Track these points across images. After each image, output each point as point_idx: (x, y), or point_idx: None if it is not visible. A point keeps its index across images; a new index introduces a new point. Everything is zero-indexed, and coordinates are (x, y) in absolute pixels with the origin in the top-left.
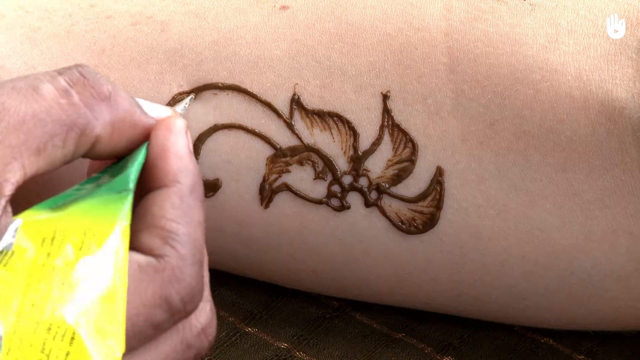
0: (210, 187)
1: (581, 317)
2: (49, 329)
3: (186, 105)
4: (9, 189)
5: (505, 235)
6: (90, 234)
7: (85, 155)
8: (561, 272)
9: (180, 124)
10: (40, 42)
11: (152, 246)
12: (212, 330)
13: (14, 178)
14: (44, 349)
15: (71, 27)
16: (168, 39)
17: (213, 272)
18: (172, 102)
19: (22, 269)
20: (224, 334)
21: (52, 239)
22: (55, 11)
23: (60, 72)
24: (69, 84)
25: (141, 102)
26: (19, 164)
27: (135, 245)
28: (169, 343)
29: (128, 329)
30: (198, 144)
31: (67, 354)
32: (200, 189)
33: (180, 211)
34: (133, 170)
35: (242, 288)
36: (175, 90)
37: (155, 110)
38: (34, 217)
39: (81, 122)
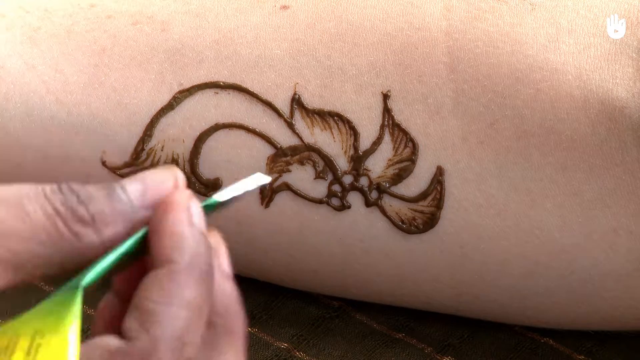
0: (211, 187)
1: (581, 316)
2: None
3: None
4: None
5: (506, 234)
6: (39, 336)
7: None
8: (561, 271)
9: (179, 199)
10: (40, 42)
11: (129, 328)
12: None
13: None
14: None
15: (71, 27)
16: (168, 38)
17: None
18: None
19: None
20: None
21: (6, 347)
22: (55, 11)
23: (47, 195)
24: (54, 210)
25: (137, 185)
26: None
27: (120, 329)
28: None
29: None
30: (199, 143)
31: None
32: (200, 264)
33: (165, 292)
34: (97, 263)
35: (242, 288)
36: (176, 89)
37: (163, 187)
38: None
39: (66, 248)
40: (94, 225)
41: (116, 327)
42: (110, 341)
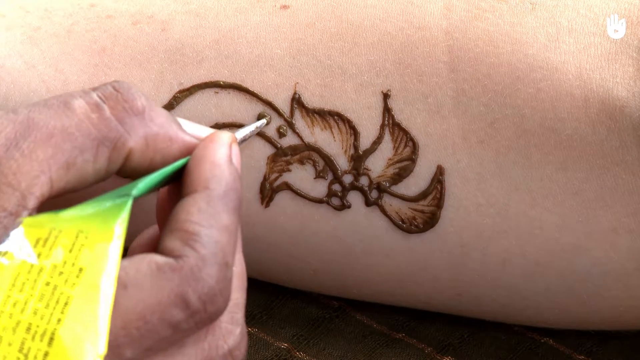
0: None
1: (582, 316)
2: (29, 329)
3: (252, 130)
4: (32, 202)
5: (506, 234)
6: (83, 236)
7: (119, 172)
8: (562, 271)
9: (224, 136)
10: (40, 42)
11: (172, 248)
12: (241, 354)
13: (39, 191)
14: (22, 348)
15: (71, 27)
16: (169, 38)
17: None
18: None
19: (10, 268)
20: None
21: (46, 240)
22: (55, 11)
23: (94, 88)
24: (101, 99)
25: (186, 122)
26: (47, 178)
27: (158, 250)
28: (193, 358)
29: (141, 327)
30: None
31: (46, 355)
32: (234, 198)
33: (205, 214)
34: (145, 178)
35: None
36: (176, 88)
37: (201, 131)
38: (34, 218)
39: (112, 136)
40: (142, 116)
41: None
42: (156, 257)
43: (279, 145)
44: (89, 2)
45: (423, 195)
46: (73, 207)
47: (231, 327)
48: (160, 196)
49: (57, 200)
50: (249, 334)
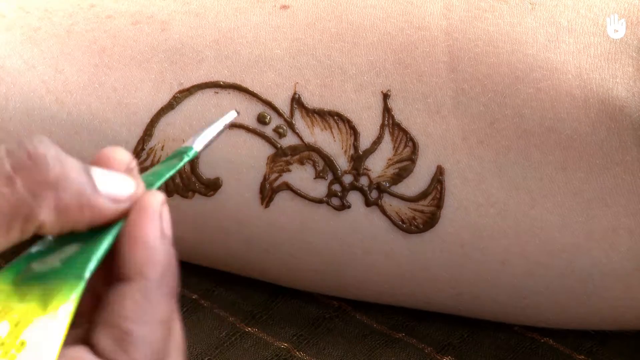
0: (211, 186)
1: (581, 316)
2: None
3: (227, 123)
4: None
5: (506, 234)
6: (31, 313)
7: (33, 237)
8: (562, 271)
9: (152, 203)
10: (40, 42)
11: (104, 348)
12: None
13: None
14: None
15: (71, 27)
16: (168, 38)
17: (214, 271)
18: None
19: None
20: (224, 334)
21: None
22: (55, 11)
23: (8, 153)
24: (14, 170)
25: (103, 176)
26: None
27: (91, 343)
28: None
29: None
30: None
31: None
32: (170, 281)
33: (141, 310)
34: (95, 258)
35: (242, 288)
36: (176, 88)
37: (118, 187)
38: None
39: (24, 212)
40: (54, 188)
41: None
42: (87, 357)
43: (278, 146)
44: (89, 3)
45: (423, 195)
46: (25, 277)
47: None
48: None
49: None
50: (249, 334)
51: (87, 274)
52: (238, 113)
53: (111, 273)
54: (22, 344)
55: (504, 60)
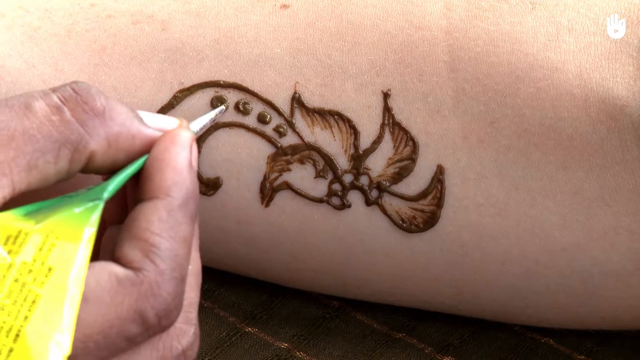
0: (211, 186)
1: (582, 316)
2: None
3: (212, 117)
4: None
5: (506, 233)
6: (53, 236)
7: (83, 171)
8: (562, 270)
9: (185, 136)
10: (40, 42)
11: (132, 258)
12: (193, 354)
13: (1, 194)
14: None
15: (71, 26)
16: (169, 37)
17: (214, 271)
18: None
19: None
20: (224, 334)
21: (16, 238)
22: (55, 10)
23: (54, 89)
24: (61, 101)
25: (148, 115)
26: (8, 180)
27: (116, 255)
28: (147, 359)
29: (100, 341)
30: (199, 142)
31: (10, 351)
32: (193, 206)
33: (166, 225)
34: (114, 180)
35: (242, 288)
36: (176, 88)
37: (163, 122)
38: (3, 216)
39: (73, 139)
40: (103, 117)
41: (106, 248)
42: (116, 268)
43: (279, 145)
44: (89, 2)
45: (423, 194)
46: (44, 206)
47: (185, 327)
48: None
49: (18, 200)
50: (250, 334)
51: (106, 194)
52: (226, 108)
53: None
54: (50, 269)
55: (505, 59)
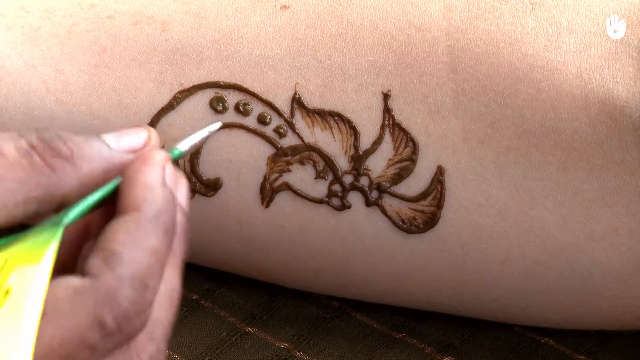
0: (211, 187)
1: (582, 316)
2: None
3: (207, 135)
4: None
5: (506, 234)
6: (12, 261)
7: (58, 211)
8: (562, 271)
9: (158, 157)
10: (40, 42)
11: (91, 267)
12: None
13: None
14: None
15: (72, 27)
16: (169, 38)
17: (214, 271)
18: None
19: None
20: (224, 334)
21: None
22: (55, 11)
23: (21, 134)
24: (30, 146)
25: (116, 136)
26: None
27: (78, 269)
28: None
29: (61, 353)
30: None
31: None
32: (167, 220)
33: (131, 236)
34: (77, 206)
35: (242, 288)
36: (177, 89)
37: (132, 140)
38: None
39: (43, 183)
40: (72, 160)
41: (70, 269)
42: (73, 280)
43: (279, 146)
44: (89, 3)
45: (423, 195)
46: (7, 239)
47: (147, 342)
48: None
49: None
50: (250, 334)
51: (66, 220)
52: (220, 127)
53: None
54: (7, 292)
55: (505, 60)
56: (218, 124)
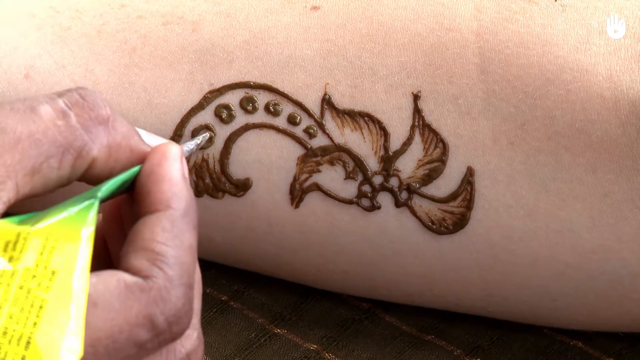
0: (241, 187)
1: (611, 318)
2: (5, 333)
3: (198, 142)
4: None
5: (536, 235)
6: (53, 239)
7: (81, 179)
8: (591, 272)
9: (175, 150)
10: (70, 42)
11: (140, 267)
12: (197, 358)
13: (5, 197)
14: None
15: (102, 27)
16: (199, 38)
17: (243, 272)
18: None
19: None
20: (253, 335)
21: (15, 243)
22: (85, 11)
23: (60, 94)
24: (67, 106)
25: (145, 133)
26: (13, 183)
27: (123, 267)
28: None
29: (109, 345)
30: (229, 144)
31: (23, 358)
32: (193, 214)
33: (170, 234)
34: (107, 182)
35: (271, 289)
36: (207, 89)
37: (154, 140)
38: (2, 222)
39: (77, 144)
40: (107, 126)
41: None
42: (125, 276)
43: (309, 146)
44: (120, 3)
45: (453, 196)
46: (40, 212)
47: (189, 331)
48: (108, 209)
49: (17, 205)
50: (279, 335)
51: (100, 193)
52: (212, 135)
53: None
54: (53, 273)
55: (535, 61)
56: (206, 135)
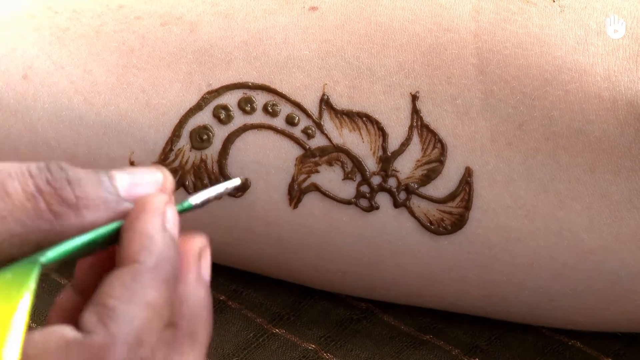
0: (240, 187)
1: (609, 318)
2: None
3: (221, 191)
4: None
5: (534, 236)
6: None
7: None
8: (589, 273)
9: (157, 201)
10: (69, 43)
11: (86, 322)
12: None
13: None
14: None
15: (100, 28)
16: (197, 39)
17: (241, 272)
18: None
19: None
20: (251, 335)
21: None
22: (84, 12)
23: (31, 172)
24: (37, 189)
25: (135, 170)
26: None
27: (77, 321)
28: None
29: None
30: (227, 144)
31: None
32: (166, 269)
33: (127, 290)
34: (62, 244)
35: (269, 289)
36: (205, 89)
37: (144, 177)
38: None
39: (44, 228)
40: (76, 208)
41: (73, 320)
42: (67, 331)
43: (307, 147)
44: (118, 3)
45: (451, 196)
46: None
47: None
48: (81, 265)
49: None
50: (277, 335)
51: (43, 259)
52: (244, 181)
53: None
54: None
55: (533, 62)
56: (237, 180)
